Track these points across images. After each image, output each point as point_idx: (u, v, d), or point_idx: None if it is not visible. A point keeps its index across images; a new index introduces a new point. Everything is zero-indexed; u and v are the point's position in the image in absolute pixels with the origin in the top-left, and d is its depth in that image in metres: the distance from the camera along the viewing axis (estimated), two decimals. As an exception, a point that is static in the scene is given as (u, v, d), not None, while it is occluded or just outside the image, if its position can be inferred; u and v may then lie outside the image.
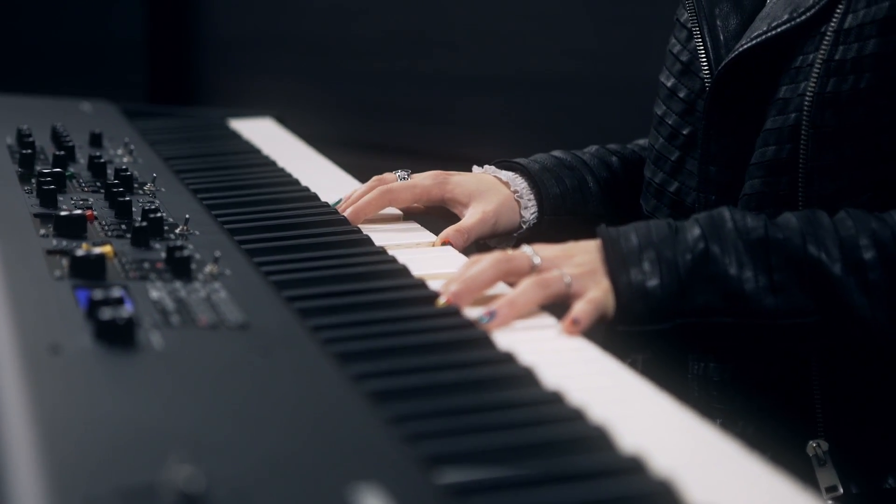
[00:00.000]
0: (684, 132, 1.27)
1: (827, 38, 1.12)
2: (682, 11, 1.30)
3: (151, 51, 3.22)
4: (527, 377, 0.86)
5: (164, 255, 1.05)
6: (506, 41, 2.54)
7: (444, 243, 1.25)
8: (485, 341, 0.93)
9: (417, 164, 1.37)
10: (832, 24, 1.13)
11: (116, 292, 0.89)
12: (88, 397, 0.76)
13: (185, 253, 1.02)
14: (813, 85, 1.12)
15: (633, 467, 0.72)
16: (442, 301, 1.00)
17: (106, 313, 0.84)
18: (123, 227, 1.15)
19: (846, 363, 1.16)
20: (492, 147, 1.43)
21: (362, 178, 1.51)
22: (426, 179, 1.32)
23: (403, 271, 1.10)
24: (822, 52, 1.12)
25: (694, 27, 1.26)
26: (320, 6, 2.95)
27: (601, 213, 1.36)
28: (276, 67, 3.05)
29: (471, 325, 0.96)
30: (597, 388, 0.86)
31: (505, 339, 0.94)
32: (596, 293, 1.00)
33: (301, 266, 1.10)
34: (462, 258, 1.20)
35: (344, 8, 2.90)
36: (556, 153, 1.40)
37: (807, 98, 1.12)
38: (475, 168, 1.38)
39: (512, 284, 1.03)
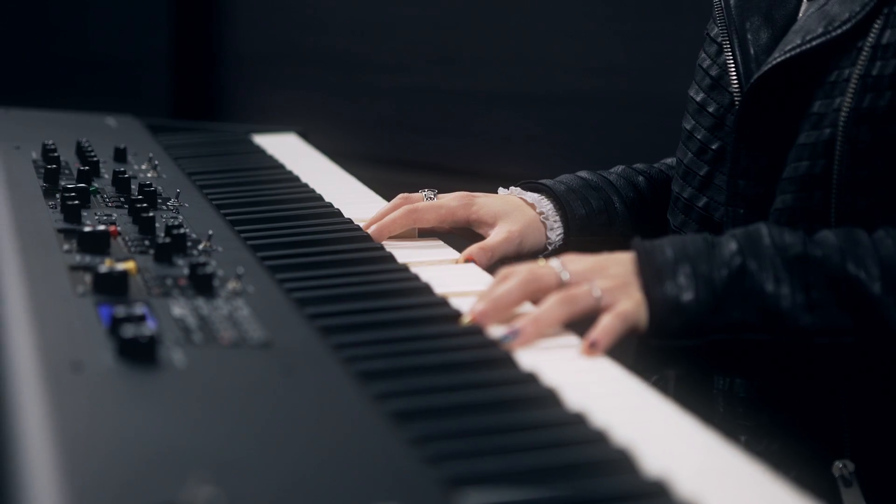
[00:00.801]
0: (713, 147, 1.26)
1: (864, 53, 1.11)
2: (713, 26, 1.30)
3: (176, 66, 3.23)
4: (550, 398, 0.85)
5: (186, 271, 1.05)
6: (530, 57, 2.54)
7: (467, 260, 1.24)
8: (507, 361, 0.92)
9: (441, 179, 1.38)
10: (870, 39, 1.11)
11: (139, 309, 0.89)
12: (110, 415, 0.76)
13: (208, 269, 1.02)
14: (849, 100, 1.11)
15: (657, 491, 0.71)
16: (467, 319, 1.00)
17: (128, 331, 0.84)
18: (147, 242, 1.15)
19: (874, 382, 1.15)
20: (516, 163, 1.43)
21: (386, 194, 1.51)
22: (452, 200, 1.33)
23: (426, 289, 1.09)
24: (858, 67, 1.11)
25: (724, 41, 1.25)
26: (344, 22, 2.96)
27: (628, 234, 1.35)
28: (300, 83, 3.06)
29: (493, 344, 0.96)
30: (620, 408, 0.85)
31: (528, 358, 0.93)
32: (627, 305, 0.99)
33: (324, 283, 1.10)
34: (485, 275, 1.19)
35: (368, 23, 2.91)
36: (582, 174, 1.39)
37: (842, 113, 1.11)
38: (500, 190, 1.38)
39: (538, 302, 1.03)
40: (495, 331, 0.98)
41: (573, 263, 1.03)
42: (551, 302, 0.99)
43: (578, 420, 0.81)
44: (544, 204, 1.34)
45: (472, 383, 0.87)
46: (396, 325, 1.00)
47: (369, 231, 1.29)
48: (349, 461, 0.72)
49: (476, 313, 1.00)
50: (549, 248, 1.32)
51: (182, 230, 1.14)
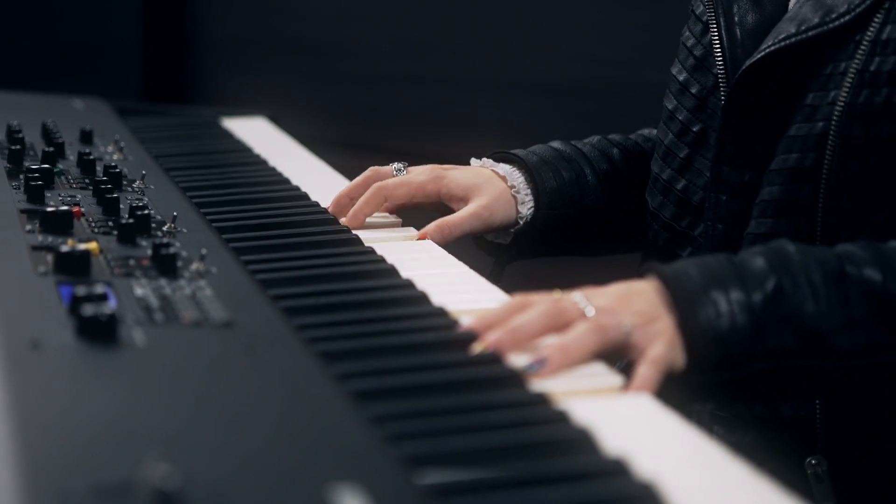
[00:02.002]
0: (695, 129, 1.24)
1: (862, 47, 1.08)
2: (698, 3, 1.27)
3: (147, 49, 3.21)
4: (512, 378, 0.85)
5: (150, 252, 1.04)
6: (506, 45, 2.54)
7: (421, 238, 1.23)
8: (470, 343, 0.91)
9: (414, 165, 1.36)
10: (868, 33, 1.08)
11: (100, 289, 0.89)
12: (68, 393, 0.75)
13: (171, 250, 1.01)
14: (844, 94, 1.08)
15: (617, 470, 0.71)
16: (480, 348, 0.90)
17: (88, 309, 0.83)
18: (110, 224, 1.14)
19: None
20: (488, 150, 1.42)
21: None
22: (421, 175, 1.30)
23: (391, 271, 1.09)
24: (856, 61, 1.08)
25: (710, 20, 1.22)
26: (317, 7, 2.95)
27: (599, 206, 1.34)
28: (272, 68, 3.05)
29: (457, 326, 0.95)
30: (581, 388, 0.85)
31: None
32: (658, 349, 0.91)
33: (288, 265, 1.10)
34: (451, 258, 1.18)
35: (341, 9, 2.90)
36: (555, 144, 1.37)
37: (837, 108, 1.08)
38: (473, 161, 1.36)
39: None
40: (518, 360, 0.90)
41: (597, 298, 0.94)
42: (581, 330, 0.90)
43: (540, 400, 0.81)
44: (515, 176, 1.31)
45: (434, 364, 0.87)
46: (360, 306, 0.99)
47: (344, 219, 1.27)
48: (309, 440, 0.71)
49: (493, 342, 0.90)
50: (520, 222, 1.30)
51: (146, 211, 1.13)
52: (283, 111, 2.13)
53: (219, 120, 1.98)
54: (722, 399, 1.02)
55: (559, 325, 0.92)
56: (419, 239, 1.23)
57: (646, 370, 0.89)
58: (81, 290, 0.87)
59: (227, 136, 1.83)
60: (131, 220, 1.10)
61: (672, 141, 1.26)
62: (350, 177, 1.55)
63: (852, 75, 1.08)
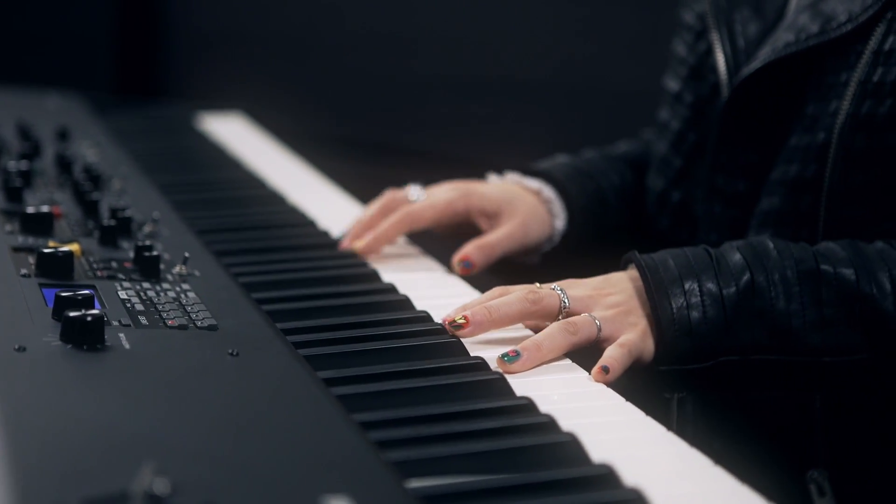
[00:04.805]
0: (690, 140, 1.22)
1: (864, 57, 1.06)
2: (689, 12, 1.25)
3: (123, 42, 3.19)
4: (499, 384, 0.85)
5: (132, 254, 1.04)
6: (484, 43, 2.54)
7: (462, 260, 1.14)
8: (456, 348, 0.92)
9: (391, 160, 1.35)
10: (870, 44, 1.06)
11: (84, 291, 0.88)
12: (53, 398, 0.74)
13: (154, 253, 1.01)
14: (847, 105, 1.06)
15: (603, 476, 0.71)
16: (459, 318, 0.93)
17: (73, 312, 0.82)
18: (91, 225, 1.13)
19: (850, 393, 1.11)
20: (467, 146, 1.42)
21: (334, 176, 1.50)
22: (447, 193, 1.20)
23: (374, 275, 1.09)
24: (858, 71, 1.06)
25: (710, 30, 1.20)
26: (294, 1, 2.94)
27: (619, 223, 1.30)
28: (248, 61, 3.04)
29: (443, 331, 0.95)
30: (570, 395, 0.86)
31: (475, 345, 0.93)
32: (630, 336, 0.94)
33: (271, 268, 1.10)
34: (434, 262, 1.18)
35: (319, 5, 2.89)
36: (563, 160, 1.32)
37: (839, 118, 1.06)
38: (492, 177, 1.28)
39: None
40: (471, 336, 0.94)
41: (574, 289, 0.97)
42: (554, 329, 0.93)
43: (527, 406, 0.81)
44: (547, 191, 1.23)
45: (421, 370, 0.87)
46: (344, 310, 0.99)
47: (363, 242, 1.16)
48: (296, 446, 0.71)
49: (469, 317, 0.93)
50: (554, 238, 1.23)
51: (127, 213, 1.12)
52: (260, 105, 2.13)
53: (196, 115, 1.96)
54: (693, 388, 1.04)
55: (536, 311, 0.95)
56: (462, 260, 1.14)
57: (613, 349, 0.92)
58: (66, 293, 0.87)
59: (206, 133, 1.82)
60: (112, 223, 1.09)
61: (667, 151, 1.25)
62: (330, 173, 1.54)
63: (854, 86, 1.06)
